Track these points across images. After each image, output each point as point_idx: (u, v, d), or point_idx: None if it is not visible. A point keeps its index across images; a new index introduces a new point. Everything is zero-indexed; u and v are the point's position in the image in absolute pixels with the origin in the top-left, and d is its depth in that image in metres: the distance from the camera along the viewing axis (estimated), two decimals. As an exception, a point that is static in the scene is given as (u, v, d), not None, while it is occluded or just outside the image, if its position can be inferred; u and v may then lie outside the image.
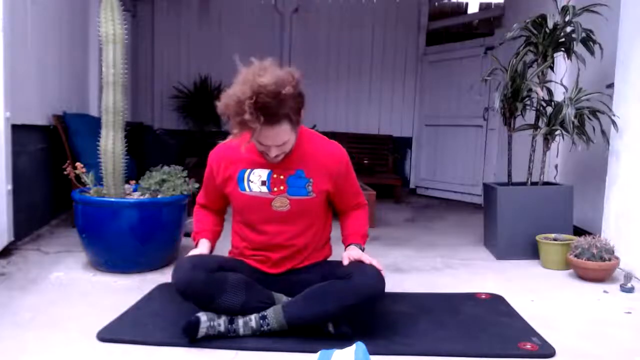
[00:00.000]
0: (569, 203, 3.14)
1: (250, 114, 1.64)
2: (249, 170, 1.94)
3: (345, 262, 1.91)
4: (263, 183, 1.93)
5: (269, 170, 1.93)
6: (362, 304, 1.81)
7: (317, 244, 2.06)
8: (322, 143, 2.01)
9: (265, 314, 1.83)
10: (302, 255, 2.02)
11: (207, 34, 6.29)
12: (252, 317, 1.83)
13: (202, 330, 1.78)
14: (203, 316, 1.80)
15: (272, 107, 1.66)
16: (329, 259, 2.11)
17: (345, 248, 2.03)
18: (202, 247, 2.02)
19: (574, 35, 3.01)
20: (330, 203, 2.11)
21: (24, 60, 3.09)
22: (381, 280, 1.84)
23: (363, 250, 2.01)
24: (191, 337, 1.77)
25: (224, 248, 2.14)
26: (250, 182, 1.94)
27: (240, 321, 1.82)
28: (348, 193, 2.08)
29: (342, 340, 1.77)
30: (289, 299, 1.89)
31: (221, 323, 1.81)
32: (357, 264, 1.90)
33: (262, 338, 1.81)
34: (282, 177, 1.92)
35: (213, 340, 1.78)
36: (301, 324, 1.83)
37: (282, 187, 1.92)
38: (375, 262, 1.88)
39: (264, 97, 1.64)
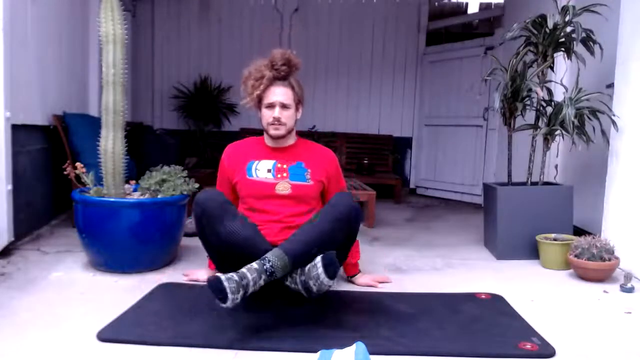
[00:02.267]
0: (569, 203, 3.14)
1: (267, 70, 2.25)
2: (256, 162, 2.35)
3: (379, 287, 2.46)
4: (268, 171, 2.32)
5: (274, 160, 2.34)
6: (343, 220, 2.12)
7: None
8: (317, 147, 2.46)
9: (265, 255, 1.96)
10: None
11: (207, 34, 6.29)
12: (253, 262, 1.94)
13: (226, 285, 1.78)
14: (219, 275, 1.83)
15: (283, 70, 2.25)
16: None
17: (351, 278, 2.50)
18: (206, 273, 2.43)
19: (574, 35, 3.01)
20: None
21: (24, 60, 3.09)
22: (354, 203, 2.20)
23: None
24: (224, 296, 1.76)
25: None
26: (257, 170, 2.32)
27: (244, 269, 1.88)
28: (336, 191, 2.40)
29: (331, 277, 1.94)
30: None
31: (234, 275, 1.84)
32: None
33: (262, 338, 1.81)
34: (285, 166, 2.32)
35: (213, 341, 1.78)
36: (299, 254, 1.99)
37: (284, 174, 2.31)
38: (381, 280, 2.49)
39: (277, 61, 2.24)
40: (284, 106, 2.27)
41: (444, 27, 6.42)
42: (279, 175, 2.31)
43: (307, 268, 1.99)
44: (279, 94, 2.26)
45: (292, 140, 2.40)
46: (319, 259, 1.95)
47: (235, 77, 2.21)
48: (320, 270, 1.93)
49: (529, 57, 3.24)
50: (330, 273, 1.93)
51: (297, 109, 2.34)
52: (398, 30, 6.37)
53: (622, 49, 2.88)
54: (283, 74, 2.26)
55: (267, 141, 2.40)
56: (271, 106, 2.27)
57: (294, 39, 6.25)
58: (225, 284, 1.77)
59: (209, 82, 6.15)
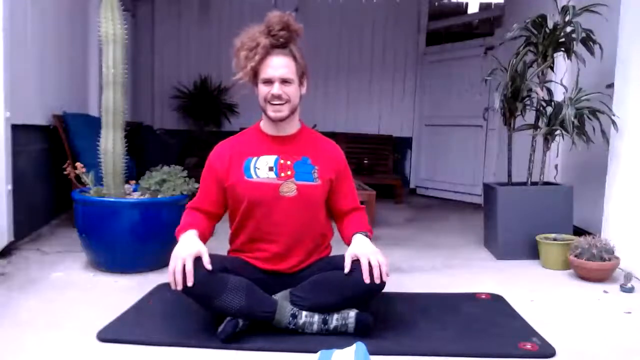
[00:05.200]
0: (569, 203, 3.14)
1: (262, 37, 1.87)
2: (255, 158, 1.96)
3: (348, 263, 1.85)
4: (270, 169, 1.94)
5: (276, 156, 1.96)
6: (362, 297, 1.87)
7: (319, 242, 2.06)
8: (324, 140, 2.11)
9: (272, 315, 1.83)
10: (303, 250, 2.00)
11: (207, 34, 6.29)
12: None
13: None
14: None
15: (282, 36, 1.88)
16: (330, 255, 2.11)
17: (351, 238, 1.97)
18: (191, 240, 1.86)
19: (574, 35, 3.01)
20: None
21: (24, 60, 3.09)
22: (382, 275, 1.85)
23: (370, 239, 1.96)
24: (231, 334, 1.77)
25: (223, 248, 2.13)
26: (257, 169, 1.94)
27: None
28: (347, 192, 2.10)
29: (361, 334, 1.81)
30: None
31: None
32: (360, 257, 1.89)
33: (263, 338, 1.81)
34: (289, 162, 1.96)
35: (213, 341, 1.78)
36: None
37: (289, 172, 1.95)
38: (381, 260, 1.83)
39: (274, 26, 1.87)
40: (284, 81, 1.89)
41: (444, 27, 6.42)
42: (282, 174, 1.94)
43: (334, 326, 1.85)
44: (278, 65, 1.88)
45: (295, 126, 2.02)
46: (352, 319, 1.84)
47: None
48: (351, 328, 1.84)
49: (529, 57, 3.23)
50: (360, 332, 1.83)
51: (300, 83, 1.96)
52: (398, 30, 6.37)
53: (622, 49, 2.88)
54: (282, 40, 1.89)
55: (266, 127, 2.01)
56: (269, 82, 1.89)
57: (294, 39, 6.25)
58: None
59: (209, 82, 6.14)
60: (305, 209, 1.97)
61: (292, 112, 1.95)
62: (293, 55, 1.92)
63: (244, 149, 1.99)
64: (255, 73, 1.89)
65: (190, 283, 1.74)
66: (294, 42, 1.94)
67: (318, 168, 1.98)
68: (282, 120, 1.94)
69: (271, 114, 1.92)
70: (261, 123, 2.03)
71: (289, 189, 1.93)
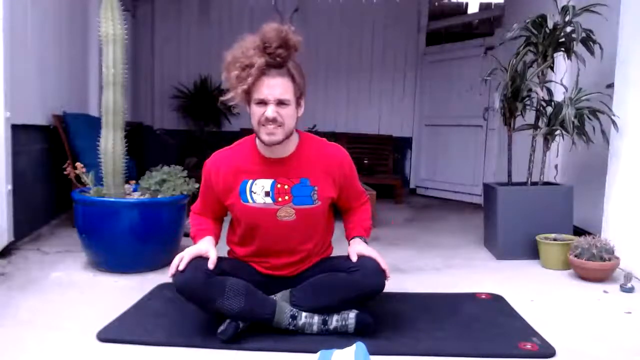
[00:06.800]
0: (569, 203, 3.14)
1: (257, 55, 1.69)
2: (251, 181, 1.88)
3: (354, 259, 1.89)
4: (267, 194, 1.87)
5: (273, 179, 1.87)
6: (362, 298, 1.88)
7: (321, 248, 2.05)
8: (323, 147, 1.97)
9: (271, 316, 1.83)
10: (305, 261, 2.00)
11: (207, 34, 6.28)
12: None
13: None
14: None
15: (280, 54, 1.71)
16: (331, 255, 2.11)
17: (349, 242, 2.03)
18: (206, 243, 1.90)
19: (574, 35, 3.01)
20: (334, 206, 2.11)
21: (24, 60, 3.09)
22: (382, 276, 1.87)
23: (367, 243, 2.01)
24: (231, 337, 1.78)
25: (223, 248, 2.13)
26: (253, 194, 1.87)
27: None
28: (352, 194, 2.09)
29: (362, 334, 1.82)
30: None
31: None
32: (360, 258, 1.91)
33: (263, 338, 1.81)
34: (286, 186, 1.87)
35: (213, 341, 1.78)
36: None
37: (287, 197, 1.87)
38: (380, 259, 1.90)
39: (272, 43, 1.70)
40: (280, 103, 1.74)
41: (444, 27, 6.42)
42: (279, 199, 1.85)
43: (334, 327, 1.85)
44: (274, 86, 1.72)
45: (292, 146, 1.88)
46: (352, 320, 1.84)
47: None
48: (351, 328, 1.85)
49: (529, 57, 3.23)
50: (360, 332, 1.84)
51: (298, 104, 1.81)
52: (398, 30, 6.36)
53: (622, 49, 2.88)
54: (279, 60, 1.72)
55: (261, 149, 1.87)
56: (263, 103, 1.74)
57: (294, 39, 6.25)
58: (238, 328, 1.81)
59: (209, 82, 6.14)
60: (306, 228, 1.94)
61: (287, 136, 1.80)
62: (291, 74, 1.75)
63: (240, 167, 1.89)
64: (247, 93, 1.74)
65: (181, 267, 1.79)
66: (292, 58, 1.77)
67: (318, 188, 1.89)
68: (275, 144, 1.80)
69: (264, 137, 1.78)
70: (257, 140, 1.89)
71: (287, 213, 1.88)
